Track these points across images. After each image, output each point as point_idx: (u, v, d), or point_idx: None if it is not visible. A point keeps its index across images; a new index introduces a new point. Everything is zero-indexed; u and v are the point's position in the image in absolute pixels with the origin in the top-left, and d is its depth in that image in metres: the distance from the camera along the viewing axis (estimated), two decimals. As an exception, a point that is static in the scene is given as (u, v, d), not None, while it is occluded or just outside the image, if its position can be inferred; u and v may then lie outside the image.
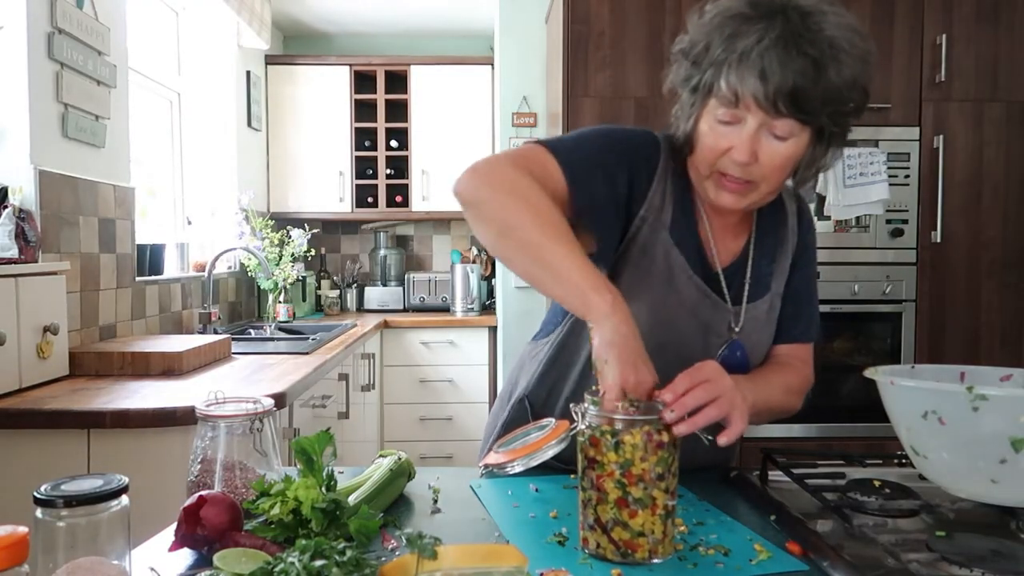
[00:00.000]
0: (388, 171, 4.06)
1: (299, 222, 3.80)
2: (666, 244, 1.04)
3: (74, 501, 0.66)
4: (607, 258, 1.04)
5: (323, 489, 0.83)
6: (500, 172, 0.94)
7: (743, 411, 0.86)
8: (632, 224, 1.04)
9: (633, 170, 1.03)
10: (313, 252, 3.80)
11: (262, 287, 3.53)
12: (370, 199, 4.07)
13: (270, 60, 3.99)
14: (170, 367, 2.01)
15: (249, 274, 3.60)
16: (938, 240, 2.60)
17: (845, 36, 0.91)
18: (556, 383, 1.16)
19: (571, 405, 0.83)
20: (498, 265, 3.68)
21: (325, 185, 4.02)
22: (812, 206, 2.59)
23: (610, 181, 1.01)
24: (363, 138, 4.08)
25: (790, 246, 1.13)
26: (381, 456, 1.03)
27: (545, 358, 1.17)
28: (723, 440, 0.84)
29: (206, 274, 2.93)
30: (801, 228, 1.15)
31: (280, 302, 3.50)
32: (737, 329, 1.07)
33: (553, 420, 0.93)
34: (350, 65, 4.00)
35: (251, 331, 3.23)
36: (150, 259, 2.63)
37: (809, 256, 1.16)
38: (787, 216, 1.14)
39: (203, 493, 0.79)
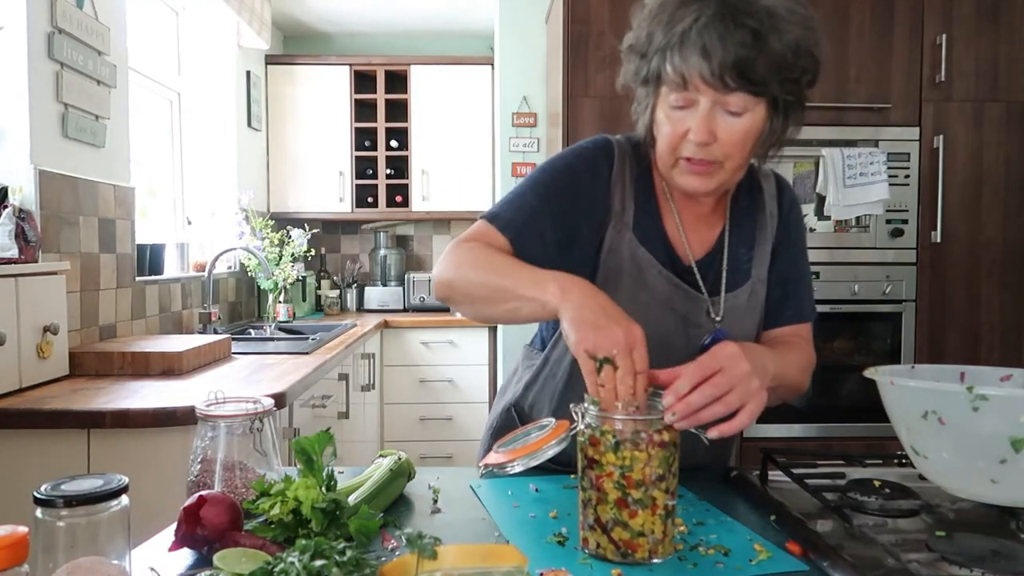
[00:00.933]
0: (388, 171, 4.06)
1: (299, 222, 3.80)
2: (631, 243, 1.06)
3: (74, 501, 0.66)
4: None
5: (323, 489, 0.83)
6: (450, 259, 1.01)
7: (758, 401, 0.83)
8: (598, 235, 1.07)
9: (582, 198, 1.06)
10: (313, 252, 3.80)
11: (262, 287, 3.53)
12: (370, 199, 4.07)
13: (270, 60, 3.99)
14: (170, 367, 2.01)
15: (249, 274, 3.60)
16: (938, 240, 2.60)
17: (782, 4, 0.92)
18: (539, 394, 1.17)
19: (571, 405, 0.83)
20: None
21: (325, 185, 4.02)
22: (812, 206, 2.60)
23: (559, 225, 1.05)
24: (363, 138, 4.08)
25: (770, 230, 1.13)
26: (381, 456, 1.03)
27: (535, 369, 1.18)
28: (713, 433, 0.81)
29: (206, 274, 2.93)
30: (781, 209, 1.15)
31: (280, 302, 3.50)
32: (718, 318, 1.07)
33: (553, 420, 0.93)
34: (350, 65, 4.00)
35: (251, 331, 3.23)
36: (150, 259, 2.63)
37: (793, 236, 1.15)
38: (764, 199, 1.13)
39: (203, 493, 0.79)
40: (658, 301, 1.06)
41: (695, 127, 0.95)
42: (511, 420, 1.20)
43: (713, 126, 0.95)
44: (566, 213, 1.05)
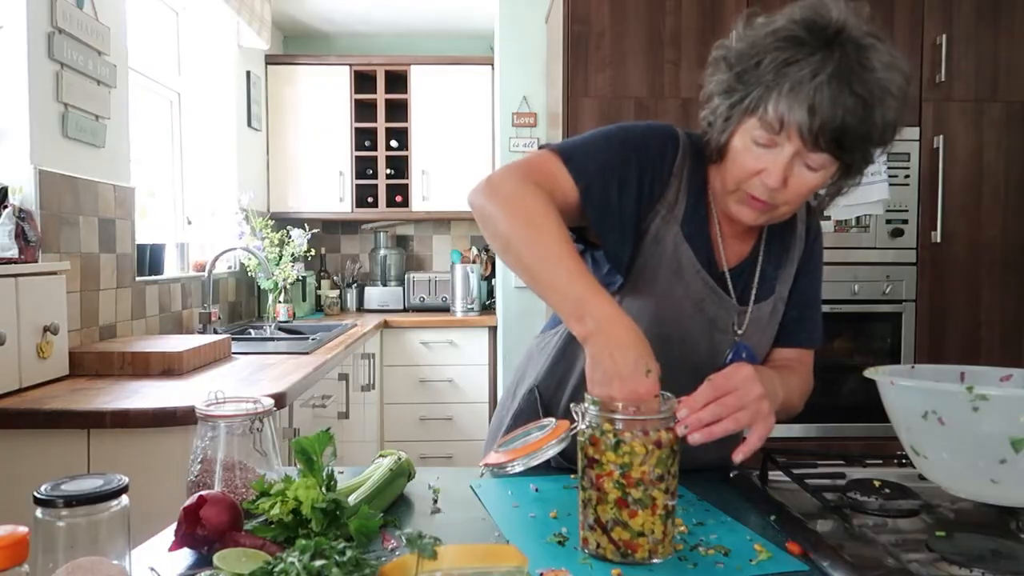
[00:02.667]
0: (388, 171, 4.06)
1: (299, 222, 3.80)
2: (676, 237, 1.06)
3: (74, 501, 0.66)
4: (619, 256, 1.06)
5: (323, 489, 0.83)
6: (509, 187, 0.96)
7: (767, 423, 0.85)
8: (646, 219, 1.06)
9: (648, 172, 1.04)
10: (313, 252, 3.80)
11: (262, 287, 3.53)
12: (370, 199, 4.07)
13: (270, 60, 3.99)
14: (170, 367, 2.01)
15: (249, 274, 3.60)
16: (938, 240, 2.60)
17: (893, 78, 0.91)
18: (565, 373, 1.17)
19: (571, 405, 0.84)
20: (498, 264, 3.68)
21: (325, 185, 4.02)
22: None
23: (623, 187, 1.02)
24: (363, 138, 4.08)
25: (796, 252, 1.15)
26: (381, 456, 1.03)
27: (554, 349, 1.18)
28: (738, 456, 0.84)
29: (206, 274, 2.93)
30: (809, 236, 1.17)
31: (280, 302, 3.50)
32: (740, 331, 1.08)
33: (553, 420, 0.93)
34: (350, 65, 4.00)
35: (251, 331, 3.23)
36: (150, 259, 2.63)
37: (815, 263, 1.17)
38: (796, 223, 1.15)
39: (203, 493, 0.79)
40: (691, 300, 1.06)
41: (772, 171, 0.95)
42: (533, 403, 1.19)
43: (788, 174, 0.95)
44: (634, 182, 1.03)
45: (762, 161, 0.96)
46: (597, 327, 0.86)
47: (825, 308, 2.55)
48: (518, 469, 0.87)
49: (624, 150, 1.04)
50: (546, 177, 0.99)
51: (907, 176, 2.61)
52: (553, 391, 1.18)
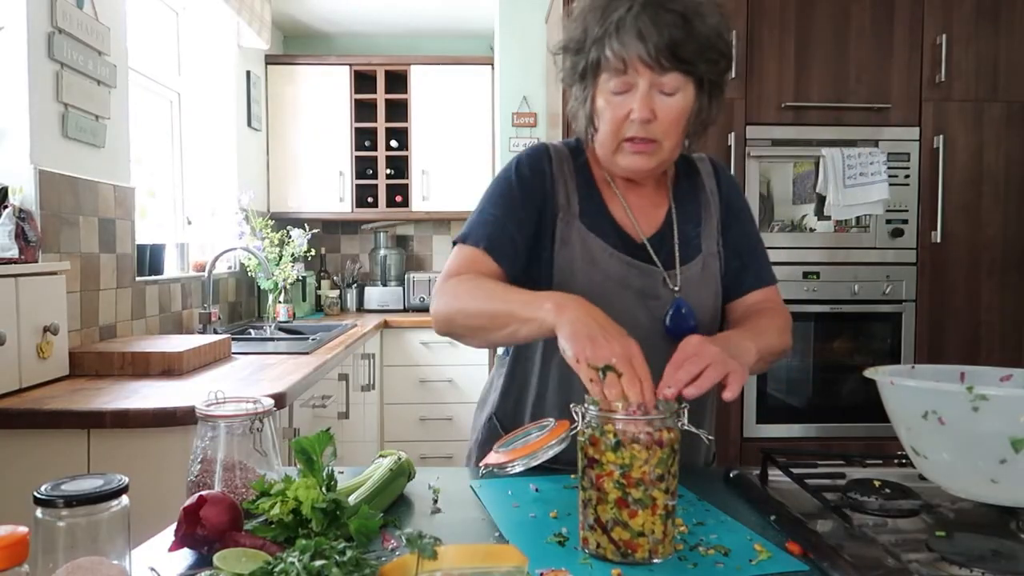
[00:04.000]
0: (388, 171, 4.06)
1: (299, 222, 3.80)
2: (580, 231, 1.14)
3: (74, 501, 0.66)
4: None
5: (323, 489, 0.83)
6: (444, 295, 1.06)
7: (737, 367, 0.89)
8: (554, 228, 1.14)
9: (537, 195, 1.15)
10: (313, 252, 3.80)
11: (262, 287, 3.53)
12: (370, 199, 4.07)
13: (270, 60, 3.99)
14: (170, 367, 2.01)
15: (249, 274, 3.60)
16: (938, 240, 2.60)
17: None
18: (519, 395, 1.20)
19: (571, 405, 0.84)
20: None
21: (325, 185, 4.02)
22: (812, 206, 2.60)
23: (521, 225, 1.12)
24: (363, 138, 4.08)
25: (714, 207, 1.22)
26: (381, 456, 1.03)
27: (505, 373, 1.22)
28: (728, 395, 0.88)
29: (206, 274, 2.93)
30: (721, 188, 1.24)
31: (280, 302, 3.50)
32: (676, 288, 1.14)
33: (553, 420, 0.93)
34: (350, 65, 4.00)
35: (251, 331, 3.23)
36: (150, 259, 2.63)
37: (736, 211, 1.23)
38: (703, 180, 1.23)
39: (203, 493, 0.79)
40: (613, 281, 1.12)
41: (637, 106, 1.03)
42: (494, 430, 1.22)
43: (652, 105, 1.03)
44: (526, 214, 1.13)
45: (626, 105, 1.05)
46: (557, 306, 0.90)
47: (825, 308, 2.58)
48: (518, 470, 0.87)
49: (505, 192, 1.15)
50: (460, 265, 1.09)
51: (907, 176, 2.61)
52: (512, 415, 1.21)
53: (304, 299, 3.89)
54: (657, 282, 1.13)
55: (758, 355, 1.01)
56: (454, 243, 1.15)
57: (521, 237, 1.12)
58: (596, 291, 1.07)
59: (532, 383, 1.18)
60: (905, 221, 2.62)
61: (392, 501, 0.97)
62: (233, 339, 2.56)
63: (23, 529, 0.59)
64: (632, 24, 1.00)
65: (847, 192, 2.52)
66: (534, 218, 1.14)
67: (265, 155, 3.99)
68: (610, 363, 0.81)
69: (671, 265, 1.15)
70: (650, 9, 1.00)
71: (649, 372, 0.83)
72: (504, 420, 1.22)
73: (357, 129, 4.03)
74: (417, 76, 4.01)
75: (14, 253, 1.79)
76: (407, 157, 4.05)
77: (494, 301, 1.00)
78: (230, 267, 3.50)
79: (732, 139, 2.54)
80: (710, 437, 0.84)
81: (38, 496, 0.66)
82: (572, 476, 1.06)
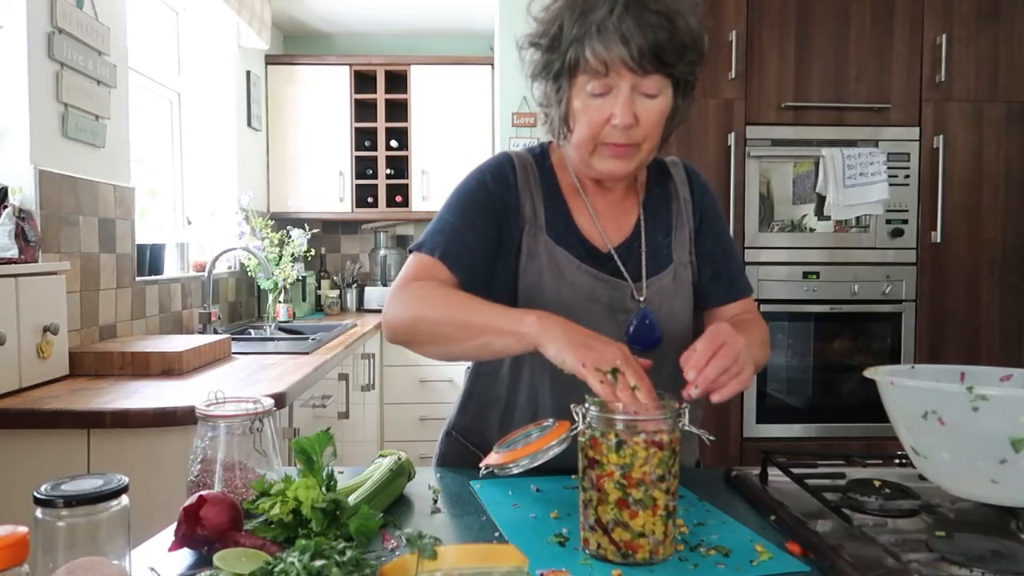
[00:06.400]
0: (388, 171, 4.06)
1: (299, 222, 3.80)
2: (547, 244, 1.11)
3: (74, 501, 0.65)
4: (507, 286, 1.11)
5: (323, 489, 0.83)
6: (403, 301, 1.03)
7: (750, 369, 0.89)
8: (519, 240, 1.11)
9: (498, 202, 1.11)
10: (313, 252, 3.80)
11: (262, 287, 3.53)
12: (370, 199, 4.07)
13: (270, 60, 3.99)
14: (170, 367, 2.01)
15: (249, 274, 3.60)
16: (938, 240, 2.60)
17: None
18: (479, 410, 1.19)
19: (572, 406, 0.83)
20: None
21: (325, 185, 4.02)
22: (812, 206, 2.60)
23: (479, 233, 1.09)
24: (363, 138, 4.08)
25: (686, 215, 1.18)
26: (381, 456, 1.03)
27: (464, 389, 1.22)
28: (718, 398, 0.87)
29: (206, 274, 2.93)
30: (694, 195, 1.20)
31: (280, 302, 3.50)
32: (641, 299, 1.11)
33: (553, 421, 0.93)
34: (350, 65, 4.00)
35: (251, 331, 3.23)
36: (150, 259, 2.63)
37: (710, 219, 1.20)
38: (676, 187, 1.19)
39: (203, 493, 0.79)
40: (581, 295, 1.09)
41: (619, 111, 0.99)
42: (454, 443, 1.23)
43: (634, 109, 1.00)
44: (486, 223, 1.10)
45: (605, 108, 1.00)
46: (540, 319, 0.90)
47: (825, 308, 2.58)
48: (518, 470, 0.87)
49: (464, 201, 1.11)
50: (416, 273, 1.06)
51: (907, 176, 2.61)
52: (478, 429, 1.19)
53: (304, 299, 3.89)
54: (625, 295, 1.11)
55: (754, 365, 0.99)
56: (409, 251, 1.12)
57: (479, 247, 1.09)
58: (564, 305, 1.06)
59: (499, 397, 1.16)
60: (905, 221, 2.62)
61: (392, 501, 0.97)
62: (233, 339, 2.56)
63: (23, 529, 0.58)
64: (615, 27, 0.95)
65: (847, 192, 2.52)
66: (494, 229, 1.10)
67: (265, 155, 3.99)
68: (616, 365, 0.82)
69: (639, 276, 1.12)
70: (633, 10, 0.96)
71: (643, 372, 0.84)
72: (466, 434, 1.21)
73: (357, 129, 4.03)
74: (417, 76, 4.01)
75: (14, 253, 1.79)
76: (407, 157, 4.05)
77: (467, 312, 0.97)
78: (230, 267, 3.50)
79: (732, 139, 2.54)
80: (711, 438, 0.84)
81: (38, 496, 0.66)
82: (573, 476, 1.06)
